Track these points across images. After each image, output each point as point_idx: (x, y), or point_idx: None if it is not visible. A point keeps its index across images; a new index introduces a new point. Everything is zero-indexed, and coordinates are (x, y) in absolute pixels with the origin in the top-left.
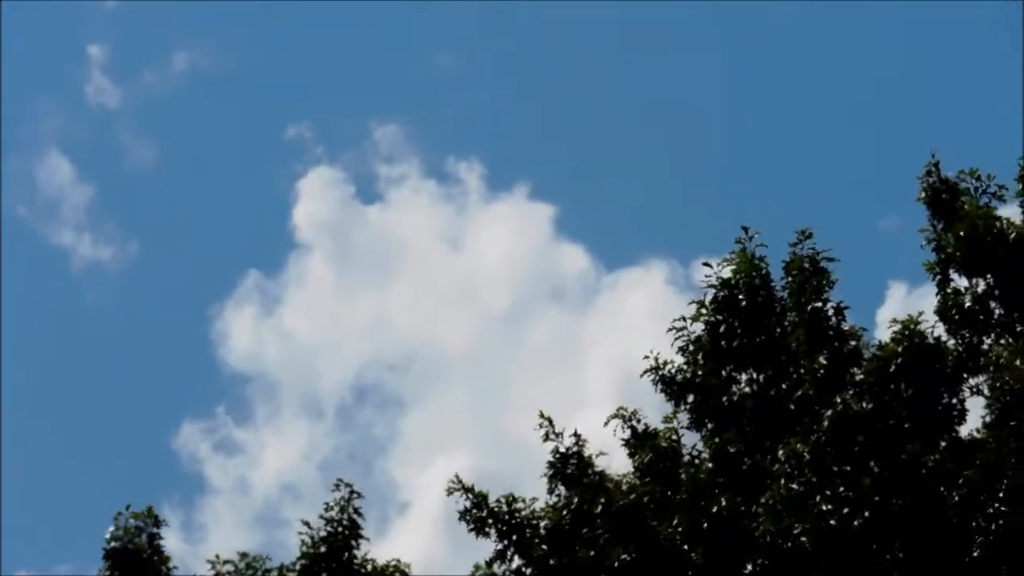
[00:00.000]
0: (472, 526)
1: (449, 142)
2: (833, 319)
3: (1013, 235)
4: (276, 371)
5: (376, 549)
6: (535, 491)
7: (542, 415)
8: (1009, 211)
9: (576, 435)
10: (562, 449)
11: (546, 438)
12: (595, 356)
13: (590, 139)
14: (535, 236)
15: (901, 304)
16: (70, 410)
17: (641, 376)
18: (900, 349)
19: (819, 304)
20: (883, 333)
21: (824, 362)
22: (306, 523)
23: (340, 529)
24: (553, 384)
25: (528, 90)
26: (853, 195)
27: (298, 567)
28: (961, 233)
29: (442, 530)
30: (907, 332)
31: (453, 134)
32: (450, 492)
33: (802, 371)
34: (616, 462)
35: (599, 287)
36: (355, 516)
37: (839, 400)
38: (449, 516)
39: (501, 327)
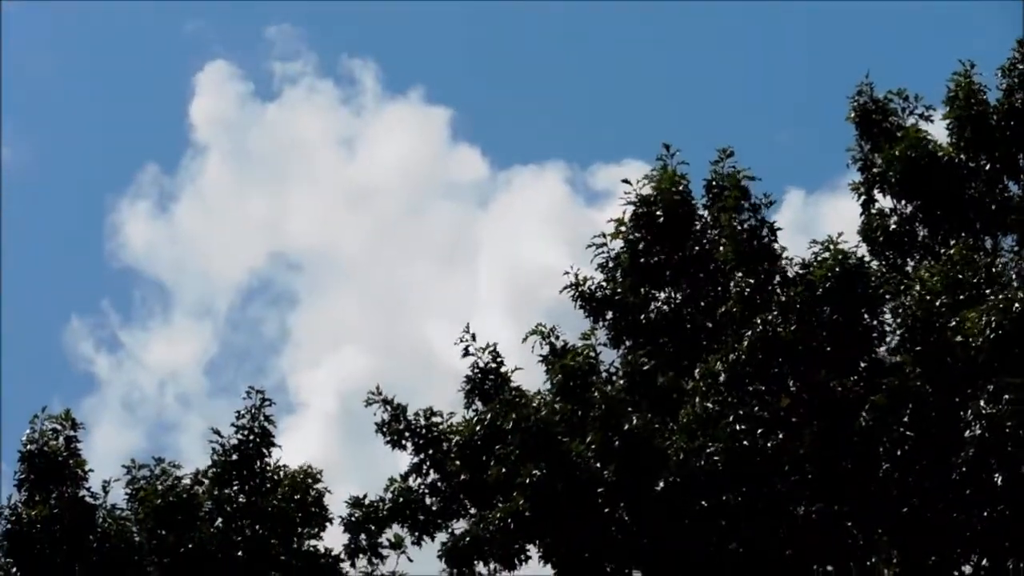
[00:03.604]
0: (389, 438)
1: (344, 42)
2: (766, 238)
3: (946, 159)
4: (168, 268)
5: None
6: (430, 393)
7: (466, 329)
8: (934, 131)
9: (495, 351)
10: (481, 364)
11: (466, 353)
12: (490, 258)
13: (486, 42)
14: (431, 139)
15: (800, 209)
16: None
17: (560, 292)
18: (830, 274)
19: (754, 222)
20: (787, 240)
21: (752, 281)
22: (216, 431)
23: (251, 437)
24: (448, 286)
25: None
26: (751, 111)
27: (210, 474)
28: (896, 153)
29: (335, 430)
30: (838, 257)
31: (348, 33)
32: (368, 403)
33: (721, 289)
34: (532, 377)
35: (495, 189)
36: (266, 424)
37: (760, 320)
38: (343, 416)
39: (396, 229)
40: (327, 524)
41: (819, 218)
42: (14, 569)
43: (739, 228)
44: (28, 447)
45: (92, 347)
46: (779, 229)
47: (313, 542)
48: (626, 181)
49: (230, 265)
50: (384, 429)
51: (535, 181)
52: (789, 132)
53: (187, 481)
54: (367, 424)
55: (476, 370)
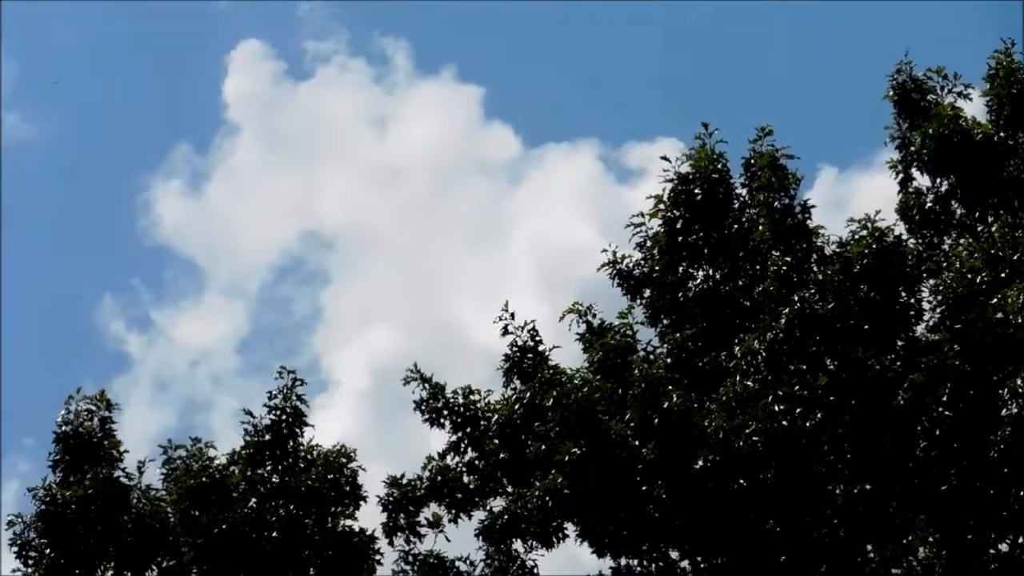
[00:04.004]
0: (427, 416)
1: (376, 20)
2: (800, 216)
3: (980, 136)
4: (200, 247)
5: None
6: (461, 371)
7: (505, 308)
8: (973, 109)
9: (533, 330)
10: (519, 343)
11: (505, 332)
12: (522, 236)
13: (519, 20)
14: (463, 117)
15: (832, 187)
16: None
17: (598, 270)
18: (866, 251)
19: (787, 201)
20: (819, 218)
21: (788, 259)
22: (248, 412)
23: (284, 417)
24: (479, 264)
25: None
26: (782, 89)
27: (243, 455)
28: (930, 131)
29: (367, 408)
30: (874, 234)
31: (380, 12)
32: (407, 381)
33: (759, 268)
34: (567, 355)
35: (527, 166)
36: (299, 403)
37: (797, 298)
38: (375, 394)
39: (427, 208)
40: (361, 503)
41: (852, 196)
42: (48, 549)
43: (776, 207)
44: (63, 428)
45: (124, 326)
46: (812, 207)
47: (348, 521)
48: (665, 158)
49: (262, 244)
50: (422, 407)
51: (568, 159)
52: (821, 110)
53: (221, 461)
54: (399, 402)
55: (515, 348)
